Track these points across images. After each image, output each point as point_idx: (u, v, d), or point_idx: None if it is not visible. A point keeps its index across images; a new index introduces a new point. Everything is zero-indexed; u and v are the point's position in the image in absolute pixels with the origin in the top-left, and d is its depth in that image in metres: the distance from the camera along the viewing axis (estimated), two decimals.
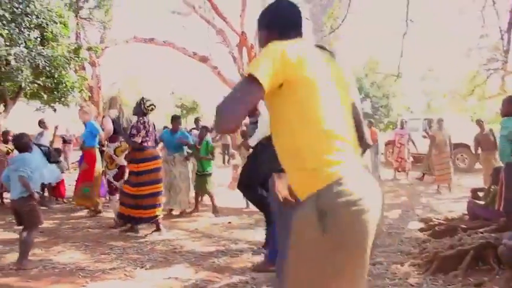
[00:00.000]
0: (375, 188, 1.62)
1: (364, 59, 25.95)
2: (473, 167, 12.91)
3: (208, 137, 7.52)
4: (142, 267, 4.36)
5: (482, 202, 5.91)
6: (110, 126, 6.28)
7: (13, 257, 4.68)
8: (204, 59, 14.49)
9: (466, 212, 5.95)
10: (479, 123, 9.32)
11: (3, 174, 4.63)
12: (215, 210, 7.27)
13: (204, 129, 7.61)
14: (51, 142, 8.38)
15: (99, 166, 6.91)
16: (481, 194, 6.26)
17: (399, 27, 7.35)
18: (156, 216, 5.72)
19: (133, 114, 5.88)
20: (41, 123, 8.57)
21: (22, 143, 4.55)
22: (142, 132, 5.56)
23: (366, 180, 1.61)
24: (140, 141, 5.57)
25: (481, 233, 4.62)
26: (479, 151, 9.06)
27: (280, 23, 1.87)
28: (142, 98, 5.89)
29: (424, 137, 12.80)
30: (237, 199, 7.35)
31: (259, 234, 5.85)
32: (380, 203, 1.61)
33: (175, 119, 7.38)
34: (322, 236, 1.49)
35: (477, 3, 8.66)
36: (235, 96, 1.60)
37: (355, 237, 1.51)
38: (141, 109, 5.68)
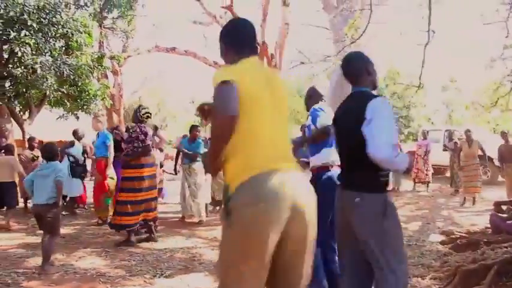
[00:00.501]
0: (285, 192, 1.83)
1: (385, 70, 25.75)
2: (496, 180, 12.67)
3: None
4: (161, 274, 4.39)
5: (505, 215, 5.79)
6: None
7: (35, 260, 4.78)
8: None
9: (489, 226, 5.83)
10: (504, 134, 9.17)
11: (27, 179, 4.74)
12: None
13: None
14: (83, 159, 8.45)
15: (112, 175, 6.97)
16: (504, 207, 6.14)
17: (421, 38, 7.29)
18: (146, 221, 5.80)
19: (132, 122, 6.12)
20: (75, 134, 8.59)
21: (51, 152, 4.69)
22: (141, 137, 5.71)
23: (276, 184, 1.83)
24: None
25: (505, 247, 4.52)
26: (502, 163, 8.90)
27: (236, 41, 2.15)
28: (139, 106, 6.13)
29: (445, 149, 12.65)
30: None
31: None
32: (288, 204, 1.83)
33: (193, 128, 7.55)
34: (230, 229, 1.87)
35: (501, 13, 8.55)
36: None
37: (253, 232, 1.81)
38: (137, 117, 5.87)
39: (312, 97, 3.92)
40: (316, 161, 3.59)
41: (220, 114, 1.94)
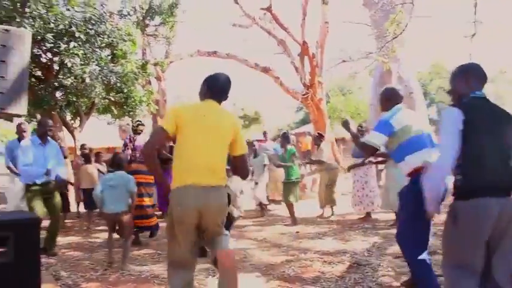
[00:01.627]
0: (191, 197, 2.81)
1: (429, 64, 25.08)
2: None
3: (290, 146, 7.85)
4: (214, 275, 4.43)
5: None
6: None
7: (92, 263, 4.96)
8: (266, 70, 14.62)
9: None
10: None
11: (97, 189, 5.00)
12: (293, 221, 7.36)
13: (285, 137, 7.93)
14: None
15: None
16: None
17: (467, 29, 7.07)
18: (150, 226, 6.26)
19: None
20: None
21: (118, 162, 5.08)
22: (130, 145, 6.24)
23: (190, 192, 2.81)
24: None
25: None
26: None
27: (207, 89, 3.09)
28: (132, 120, 6.65)
29: None
30: (303, 208, 7.38)
31: (328, 244, 5.80)
32: (195, 204, 2.81)
33: None
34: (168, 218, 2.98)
35: None
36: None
37: (178, 220, 2.86)
38: (132, 128, 6.58)
39: (391, 99, 3.75)
40: (405, 167, 3.50)
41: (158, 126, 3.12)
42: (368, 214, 7.54)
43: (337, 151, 8.48)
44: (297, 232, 6.63)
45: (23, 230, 3.74)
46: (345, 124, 3.82)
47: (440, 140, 2.61)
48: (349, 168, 7.42)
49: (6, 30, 3.73)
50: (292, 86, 14.77)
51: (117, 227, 5.00)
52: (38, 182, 5.21)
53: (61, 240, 6.30)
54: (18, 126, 6.66)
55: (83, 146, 9.20)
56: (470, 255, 2.49)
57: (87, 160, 8.13)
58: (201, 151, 2.85)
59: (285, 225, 7.37)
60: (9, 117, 5.64)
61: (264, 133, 11.43)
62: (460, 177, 2.51)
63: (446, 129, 2.51)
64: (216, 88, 3.08)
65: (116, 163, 5.06)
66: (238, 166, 3.16)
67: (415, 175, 3.30)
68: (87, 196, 7.59)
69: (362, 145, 3.57)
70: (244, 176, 3.34)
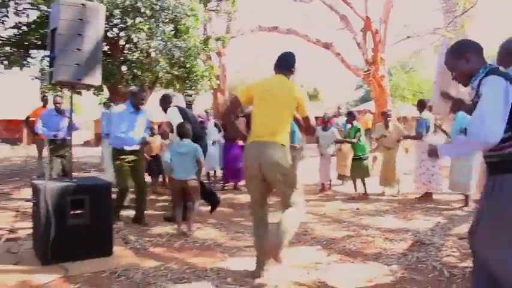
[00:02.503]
0: (253, 150, 3.49)
1: (501, 39, 23.66)
2: None
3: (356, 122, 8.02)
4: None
5: None
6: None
7: (158, 230, 5.18)
8: (327, 46, 14.37)
9: None
10: None
11: (168, 157, 5.27)
12: (360, 196, 7.53)
13: (350, 114, 8.13)
14: None
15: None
16: None
17: None
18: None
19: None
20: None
21: (183, 131, 5.24)
22: None
23: (253, 146, 3.49)
24: None
25: None
26: None
27: (276, 64, 3.71)
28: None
29: None
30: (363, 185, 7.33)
31: (389, 221, 5.73)
32: (256, 156, 3.45)
33: None
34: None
35: None
36: None
37: (246, 172, 3.64)
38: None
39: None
40: None
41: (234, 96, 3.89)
42: (427, 194, 7.30)
43: (403, 129, 8.25)
44: (357, 209, 6.58)
45: (97, 193, 3.98)
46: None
47: (484, 106, 2.33)
48: (405, 138, 7.70)
49: (83, 4, 3.90)
50: (354, 63, 14.48)
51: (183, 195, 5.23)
52: (128, 149, 5.49)
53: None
54: (54, 98, 7.28)
55: None
56: None
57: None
58: (264, 116, 3.51)
59: (351, 198, 7.49)
60: (83, 88, 5.97)
61: (338, 108, 12.79)
62: None
63: (494, 96, 2.31)
64: (280, 63, 3.69)
65: (182, 132, 5.23)
66: (304, 125, 3.70)
67: None
68: (151, 165, 7.95)
69: None
70: (310, 133, 3.91)
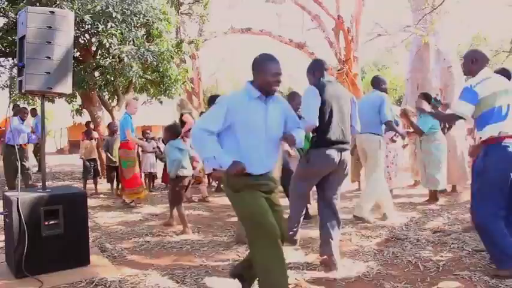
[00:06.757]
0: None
1: (470, 36, 24.18)
2: None
3: None
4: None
5: None
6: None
7: (135, 237, 5.15)
8: (300, 46, 14.47)
9: None
10: None
11: (176, 155, 5.43)
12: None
13: None
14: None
15: None
16: None
17: None
18: None
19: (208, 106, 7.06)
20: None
21: (179, 130, 5.74)
22: None
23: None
24: None
25: None
26: None
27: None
28: None
29: None
30: None
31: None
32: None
33: None
34: None
35: None
36: None
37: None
38: None
39: (477, 61, 3.69)
40: (482, 135, 3.53)
41: None
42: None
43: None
44: None
45: (71, 203, 3.94)
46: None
47: None
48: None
49: (52, 12, 3.85)
50: (327, 61, 14.60)
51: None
52: None
53: (104, 214, 6.56)
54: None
55: (110, 125, 9.21)
56: None
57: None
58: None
59: None
60: (55, 96, 5.89)
61: None
62: None
63: None
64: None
65: (176, 131, 5.57)
66: None
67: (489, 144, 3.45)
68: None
69: (447, 117, 4.00)
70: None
